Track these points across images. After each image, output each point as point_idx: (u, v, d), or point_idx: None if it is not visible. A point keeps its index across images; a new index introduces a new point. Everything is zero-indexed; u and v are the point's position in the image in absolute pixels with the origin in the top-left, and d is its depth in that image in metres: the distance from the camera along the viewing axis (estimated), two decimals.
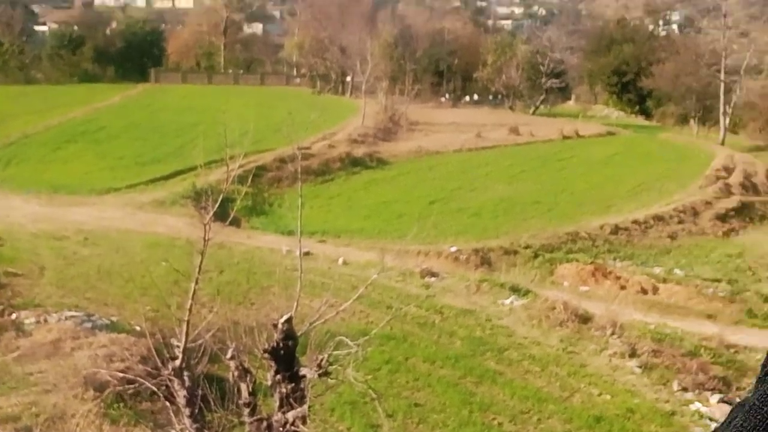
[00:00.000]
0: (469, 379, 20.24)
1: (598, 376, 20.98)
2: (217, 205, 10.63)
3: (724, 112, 75.28)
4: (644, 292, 30.27)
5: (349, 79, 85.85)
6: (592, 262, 33.39)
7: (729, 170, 55.01)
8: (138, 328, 17.95)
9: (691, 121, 78.98)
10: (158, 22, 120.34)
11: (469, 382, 20.06)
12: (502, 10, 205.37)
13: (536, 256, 34.30)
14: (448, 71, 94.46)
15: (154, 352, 11.17)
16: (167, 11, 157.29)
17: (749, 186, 52.11)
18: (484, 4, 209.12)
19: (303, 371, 10.28)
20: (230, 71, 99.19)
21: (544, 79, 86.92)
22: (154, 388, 10.86)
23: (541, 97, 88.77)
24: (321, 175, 48.90)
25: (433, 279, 28.65)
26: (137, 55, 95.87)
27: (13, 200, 38.15)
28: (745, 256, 37.42)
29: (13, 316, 20.15)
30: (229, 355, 10.35)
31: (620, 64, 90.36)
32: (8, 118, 60.75)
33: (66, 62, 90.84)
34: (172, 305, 14.52)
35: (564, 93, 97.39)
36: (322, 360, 10.21)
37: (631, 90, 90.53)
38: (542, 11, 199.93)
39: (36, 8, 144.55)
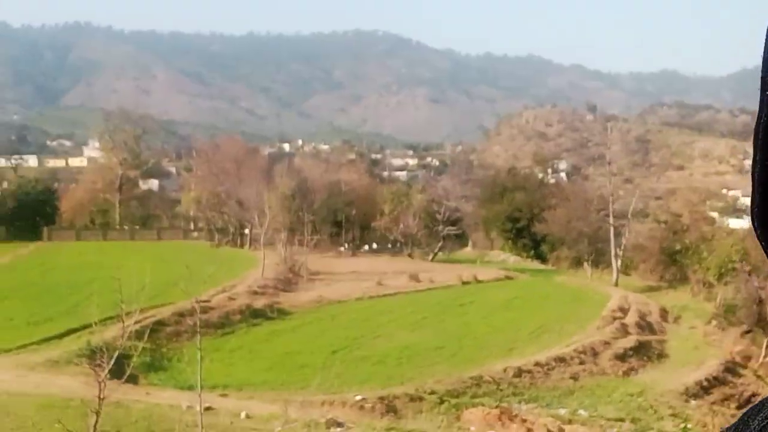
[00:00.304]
0: None
1: None
2: (112, 362, 10.31)
3: (616, 255, 77.62)
4: None
5: (247, 231, 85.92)
6: (497, 406, 33.29)
7: (624, 311, 56.32)
8: None
9: (585, 264, 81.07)
10: (51, 181, 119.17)
11: None
12: (397, 161, 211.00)
13: (442, 401, 34.02)
14: (347, 221, 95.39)
15: None
16: (60, 170, 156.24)
17: (645, 325, 53.34)
18: (379, 156, 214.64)
19: None
20: (126, 227, 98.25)
21: (441, 227, 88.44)
22: None
23: (439, 244, 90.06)
24: (221, 328, 48.08)
25: (338, 429, 28.10)
26: (30, 214, 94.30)
27: None
28: (645, 394, 37.86)
29: None
30: None
31: (513, 210, 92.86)
32: None
33: None
34: None
35: (461, 239, 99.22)
36: None
37: (526, 235, 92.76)
38: (435, 162, 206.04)
39: None
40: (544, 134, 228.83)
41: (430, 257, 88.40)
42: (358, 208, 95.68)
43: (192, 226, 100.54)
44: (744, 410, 1.10)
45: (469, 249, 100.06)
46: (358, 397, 32.91)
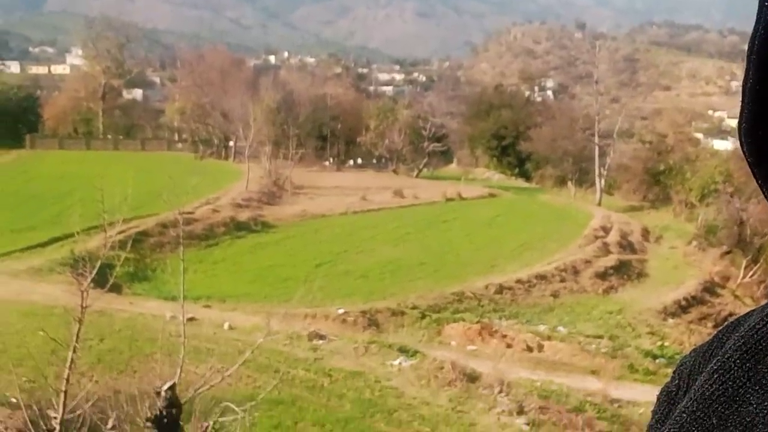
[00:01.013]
0: None
1: None
2: (95, 272, 10.25)
3: (600, 174, 77.88)
4: (530, 349, 30.64)
5: (232, 143, 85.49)
6: (478, 322, 33.64)
7: (606, 230, 56.70)
8: (13, 400, 17.09)
9: (569, 183, 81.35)
10: (33, 88, 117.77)
11: None
12: (383, 76, 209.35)
13: (423, 316, 34.36)
14: (332, 135, 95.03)
15: (29, 425, 10.64)
16: (43, 77, 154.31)
17: (626, 245, 53.73)
18: (365, 70, 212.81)
19: None
20: (109, 137, 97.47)
21: (426, 143, 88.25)
22: None
23: (424, 161, 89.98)
24: (205, 240, 48.18)
25: (321, 342, 28.37)
26: (11, 120, 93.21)
27: None
28: (624, 312, 38.34)
29: None
30: (110, 425, 9.94)
31: (499, 128, 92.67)
32: None
33: None
34: (49, 375, 13.92)
35: (446, 156, 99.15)
36: (207, 427, 9.90)
37: (511, 153, 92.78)
38: (422, 78, 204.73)
39: None
40: (532, 51, 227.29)
41: (415, 173, 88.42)
42: (344, 123, 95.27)
43: (176, 138, 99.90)
44: (719, 329, 1.07)
45: (453, 166, 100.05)
46: (341, 311, 33.20)
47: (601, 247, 50.42)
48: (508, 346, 30.71)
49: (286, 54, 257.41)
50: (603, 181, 78.36)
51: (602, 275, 45.05)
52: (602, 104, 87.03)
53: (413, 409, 22.44)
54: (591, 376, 27.16)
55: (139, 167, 64.42)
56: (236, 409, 10.25)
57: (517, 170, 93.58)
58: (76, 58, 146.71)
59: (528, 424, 21.82)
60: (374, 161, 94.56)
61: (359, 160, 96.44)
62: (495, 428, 21.55)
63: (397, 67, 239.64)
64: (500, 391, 23.64)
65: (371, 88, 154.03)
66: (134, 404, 10.29)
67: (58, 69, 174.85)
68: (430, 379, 24.49)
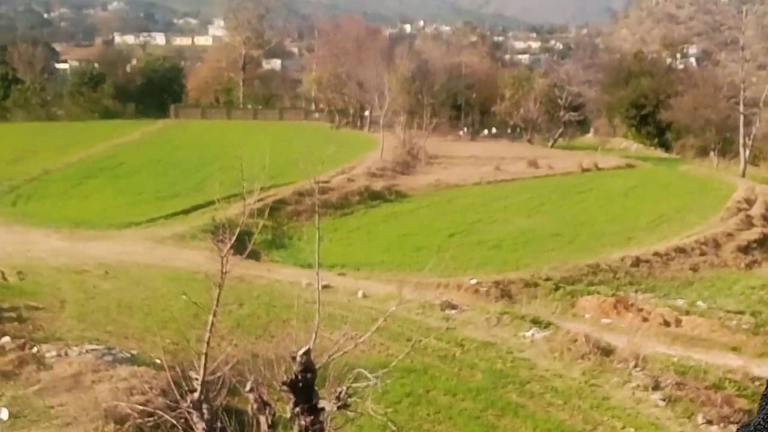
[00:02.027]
0: (490, 412, 20.04)
1: (622, 408, 20.73)
2: (234, 239, 10.59)
3: (744, 144, 75.00)
4: (667, 324, 29.96)
5: (367, 113, 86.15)
6: (613, 294, 33.11)
7: (750, 202, 54.60)
8: (158, 361, 17.90)
9: (711, 154, 78.67)
10: (178, 59, 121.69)
11: (490, 415, 19.86)
12: (519, 44, 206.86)
13: (557, 288, 34.04)
14: (466, 105, 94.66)
15: (173, 385, 11.12)
16: (186, 48, 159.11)
17: None
18: (501, 38, 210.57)
19: (322, 404, 10.21)
20: (249, 106, 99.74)
21: (562, 113, 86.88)
22: (174, 421, 10.79)
23: (560, 130, 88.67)
24: (340, 209, 48.95)
25: (453, 311, 28.49)
26: (157, 91, 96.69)
27: (34, 235, 38.37)
28: None
29: (35, 349, 20.16)
30: (248, 388, 10.30)
31: (638, 97, 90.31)
32: (29, 155, 61.41)
33: (87, 99, 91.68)
34: (191, 338, 14.51)
35: (582, 126, 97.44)
36: (341, 392, 10.14)
37: (650, 123, 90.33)
38: (559, 45, 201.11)
39: (57, 46, 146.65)
40: (674, 17, 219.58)
41: (550, 143, 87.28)
42: (479, 92, 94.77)
43: (313, 107, 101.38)
44: None
45: (590, 136, 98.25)
46: (473, 281, 33.21)
47: (744, 220, 48.63)
48: (644, 320, 30.11)
49: (421, 23, 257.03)
50: (747, 152, 75.37)
51: (745, 249, 43.53)
52: (748, 71, 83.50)
53: (545, 381, 22.34)
54: (731, 352, 26.39)
55: (277, 136, 65.97)
56: (369, 375, 10.46)
57: (656, 140, 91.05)
58: (218, 29, 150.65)
59: (663, 400, 21.41)
60: (509, 131, 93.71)
61: (494, 130, 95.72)
62: (629, 403, 21.24)
63: (534, 35, 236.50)
64: (635, 366, 23.24)
65: (507, 56, 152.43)
66: (271, 368, 10.63)
67: (201, 40, 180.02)
68: (563, 351, 24.28)
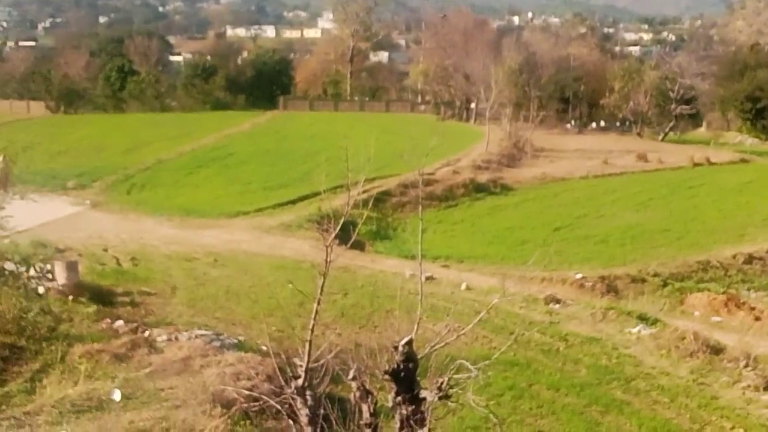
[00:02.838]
0: (594, 408, 19.80)
1: (731, 409, 20.20)
2: (338, 228, 10.71)
3: None
4: None
5: (473, 105, 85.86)
6: (724, 292, 32.30)
7: None
8: (264, 348, 18.27)
9: None
10: (287, 52, 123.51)
11: (594, 411, 19.62)
12: (630, 36, 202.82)
13: (665, 284, 33.42)
14: (574, 98, 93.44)
15: (278, 372, 11.33)
16: (296, 41, 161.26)
17: None
18: (611, 30, 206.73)
19: (423, 394, 10.26)
20: (356, 98, 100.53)
21: (673, 106, 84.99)
22: (278, 407, 10.98)
23: (671, 124, 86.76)
24: (444, 201, 48.99)
25: (557, 306, 28.23)
26: (267, 83, 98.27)
27: (147, 223, 39.57)
28: None
29: (146, 333, 20.80)
30: (350, 376, 10.42)
31: (754, 89, 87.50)
32: (144, 145, 63.28)
33: (199, 91, 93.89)
34: (296, 326, 14.77)
35: (694, 120, 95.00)
36: (442, 383, 10.17)
37: (766, 116, 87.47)
38: (672, 37, 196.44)
39: (171, 39, 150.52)
40: None
41: (661, 137, 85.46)
42: (587, 85, 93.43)
43: (419, 99, 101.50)
44: None
45: (702, 129, 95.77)
46: (579, 276, 32.85)
47: None
48: (757, 318, 29.27)
49: (530, 14, 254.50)
50: None
51: None
52: None
53: (652, 379, 21.93)
54: None
55: (383, 128, 66.28)
56: (471, 367, 10.45)
57: None
58: (327, 22, 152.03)
59: None
60: (618, 124, 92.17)
61: (602, 123, 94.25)
62: (739, 403, 20.68)
63: (646, 27, 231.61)
64: (746, 365, 22.60)
65: (617, 48, 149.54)
66: (373, 357, 10.72)
67: (310, 33, 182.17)
68: (671, 349, 23.77)
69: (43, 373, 17.03)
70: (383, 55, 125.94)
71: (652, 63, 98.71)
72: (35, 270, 24.10)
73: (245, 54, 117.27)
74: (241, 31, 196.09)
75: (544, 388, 20.79)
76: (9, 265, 23.54)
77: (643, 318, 26.85)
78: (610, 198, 52.41)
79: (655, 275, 34.33)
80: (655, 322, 26.46)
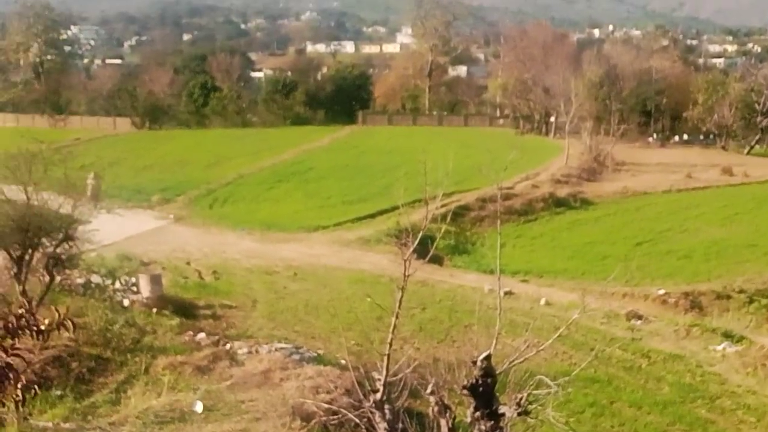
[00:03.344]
0: (678, 426, 19.45)
1: None
2: (416, 242, 10.72)
3: None
4: None
5: (552, 119, 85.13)
6: None
7: None
8: (342, 361, 18.37)
9: None
10: (366, 67, 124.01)
11: (678, 430, 19.27)
12: (714, 48, 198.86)
13: (751, 301, 32.64)
14: (656, 110, 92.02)
15: (356, 385, 11.38)
16: (375, 56, 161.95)
17: None
18: (694, 42, 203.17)
19: (502, 409, 10.20)
20: (434, 113, 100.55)
21: (759, 118, 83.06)
22: (357, 420, 11.04)
23: (757, 137, 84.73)
24: (524, 215, 48.64)
25: (638, 322, 27.81)
26: (346, 98, 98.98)
27: (229, 236, 40.15)
28: None
29: (228, 346, 21.11)
30: (429, 390, 10.41)
31: None
32: (225, 160, 64.27)
33: (279, 106, 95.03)
34: (374, 340, 14.82)
35: None
36: (521, 399, 10.09)
37: None
38: (757, 48, 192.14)
39: (253, 55, 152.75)
40: None
41: (746, 150, 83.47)
42: (670, 97, 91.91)
43: (498, 113, 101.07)
44: None
45: None
46: (661, 291, 32.30)
47: None
48: None
49: (611, 27, 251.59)
50: None
51: None
52: None
53: (737, 398, 21.44)
54: None
55: (462, 142, 66.21)
56: (550, 383, 10.35)
57: None
58: (405, 36, 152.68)
59: None
60: (701, 137, 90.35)
61: (685, 136, 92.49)
62: None
63: (730, 38, 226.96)
64: None
65: (700, 60, 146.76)
66: (452, 372, 10.71)
67: (388, 48, 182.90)
68: (757, 367, 23.22)
69: (128, 384, 17.41)
70: (462, 69, 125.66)
71: (737, 75, 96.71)
72: (120, 283, 24.71)
73: (325, 69, 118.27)
74: (321, 47, 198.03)
75: (625, 405, 20.49)
76: (95, 278, 24.18)
77: (728, 335, 26.30)
78: (693, 212, 51.41)
79: (741, 291, 33.54)
80: (740, 339, 25.90)
